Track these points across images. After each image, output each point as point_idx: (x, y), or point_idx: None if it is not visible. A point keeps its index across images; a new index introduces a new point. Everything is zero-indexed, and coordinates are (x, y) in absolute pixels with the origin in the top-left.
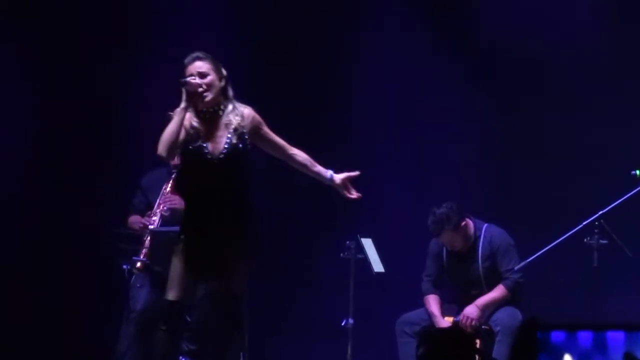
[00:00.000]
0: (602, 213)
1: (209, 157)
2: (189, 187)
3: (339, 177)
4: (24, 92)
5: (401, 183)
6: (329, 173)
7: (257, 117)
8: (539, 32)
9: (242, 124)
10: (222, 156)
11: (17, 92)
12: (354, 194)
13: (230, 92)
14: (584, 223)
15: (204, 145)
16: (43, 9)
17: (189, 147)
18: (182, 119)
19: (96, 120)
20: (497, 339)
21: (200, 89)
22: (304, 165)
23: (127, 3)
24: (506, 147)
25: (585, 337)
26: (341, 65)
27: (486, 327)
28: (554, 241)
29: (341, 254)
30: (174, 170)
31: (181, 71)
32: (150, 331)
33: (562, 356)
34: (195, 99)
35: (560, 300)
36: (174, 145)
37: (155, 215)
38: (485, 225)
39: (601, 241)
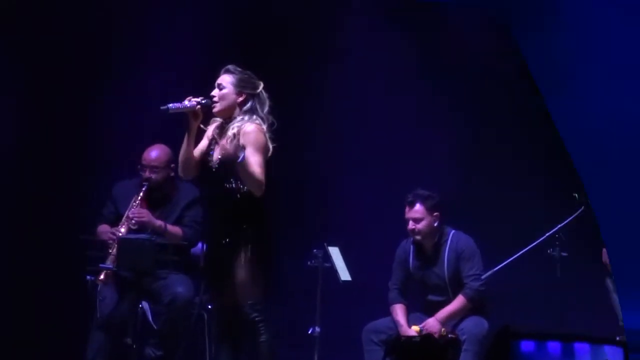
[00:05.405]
0: (560, 227)
1: (210, 164)
2: (202, 194)
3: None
4: None
5: (368, 192)
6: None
7: (249, 134)
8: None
9: (238, 135)
10: (218, 164)
11: None
12: None
13: (249, 107)
14: (545, 236)
15: (211, 153)
16: (29, 9)
17: (205, 155)
18: (188, 140)
19: (69, 125)
20: (464, 347)
21: (198, 107)
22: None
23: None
24: (472, 157)
25: (554, 347)
26: (306, 71)
27: (453, 336)
28: (518, 252)
29: (308, 262)
30: (145, 183)
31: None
32: (118, 336)
33: None
34: (191, 118)
35: (524, 310)
36: (186, 164)
37: (123, 226)
38: (453, 231)
39: (562, 254)
